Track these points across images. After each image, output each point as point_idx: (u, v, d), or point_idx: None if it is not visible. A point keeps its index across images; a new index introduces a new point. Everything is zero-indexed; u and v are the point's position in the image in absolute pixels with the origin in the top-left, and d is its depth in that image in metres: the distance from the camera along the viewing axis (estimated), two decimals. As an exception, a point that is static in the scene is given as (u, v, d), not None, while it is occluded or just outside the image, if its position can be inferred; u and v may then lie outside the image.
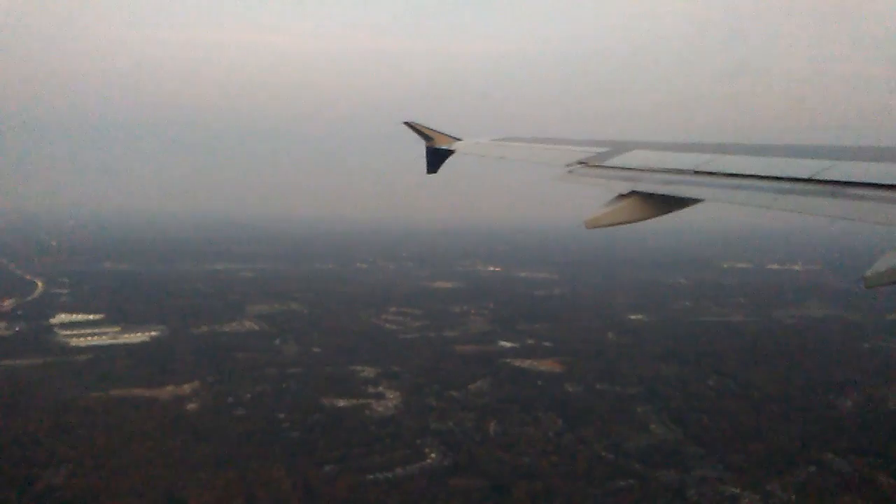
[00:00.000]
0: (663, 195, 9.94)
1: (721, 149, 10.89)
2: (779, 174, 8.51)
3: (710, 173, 9.72)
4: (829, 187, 7.58)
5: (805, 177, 8.00)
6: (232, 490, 54.23)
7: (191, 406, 76.17)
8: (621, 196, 10.35)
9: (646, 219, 10.18)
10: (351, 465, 60.97)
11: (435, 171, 19.13)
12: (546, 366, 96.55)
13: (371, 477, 58.93)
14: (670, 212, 10.11)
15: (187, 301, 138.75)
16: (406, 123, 19.39)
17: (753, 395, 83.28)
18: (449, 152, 18.52)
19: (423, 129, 19.27)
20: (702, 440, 69.36)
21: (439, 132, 19.19)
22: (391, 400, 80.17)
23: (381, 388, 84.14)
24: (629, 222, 10.22)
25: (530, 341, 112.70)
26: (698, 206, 9.58)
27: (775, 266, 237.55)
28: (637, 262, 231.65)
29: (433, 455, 64.37)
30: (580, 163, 12.48)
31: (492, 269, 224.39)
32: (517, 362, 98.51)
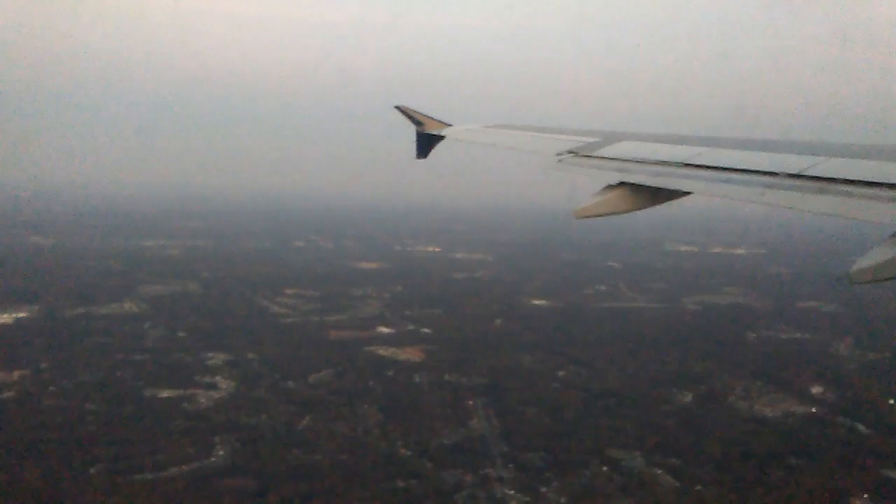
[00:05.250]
0: (652, 187, 9.98)
1: (710, 142, 11.03)
2: (767, 169, 8.57)
3: (699, 166, 9.81)
4: (816, 183, 7.63)
5: (793, 172, 8.07)
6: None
7: (7, 395, 74.07)
8: (610, 187, 10.41)
9: (634, 210, 10.23)
10: (124, 464, 58.89)
11: (425, 156, 19.23)
12: (407, 354, 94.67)
13: (138, 477, 57.00)
14: (659, 203, 10.17)
15: (82, 279, 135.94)
16: (397, 107, 19.52)
17: (594, 388, 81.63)
18: (439, 138, 18.61)
19: (414, 114, 19.33)
20: (514, 437, 67.66)
21: (430, 117, 19.23)
22: (220, 391, 78.22)
23: (217, 378, 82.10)
24: (618, 213, 10.25)
25: (411, 327, 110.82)
26: (686, 198, 9.77)
27: (718, 249, 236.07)
28: (584, 244, 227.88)
29: (221, 453, 62.45)
30: (570, 152, 12.57)
31: (431, 249, 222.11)
32: (381, 350, 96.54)
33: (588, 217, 10.25)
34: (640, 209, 10.27)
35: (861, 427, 71.74)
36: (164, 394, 76.45)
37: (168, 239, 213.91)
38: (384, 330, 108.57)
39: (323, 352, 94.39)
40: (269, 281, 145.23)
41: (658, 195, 10.07)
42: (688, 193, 9.61)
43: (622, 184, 10.36)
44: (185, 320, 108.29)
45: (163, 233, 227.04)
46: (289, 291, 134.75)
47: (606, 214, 10.26)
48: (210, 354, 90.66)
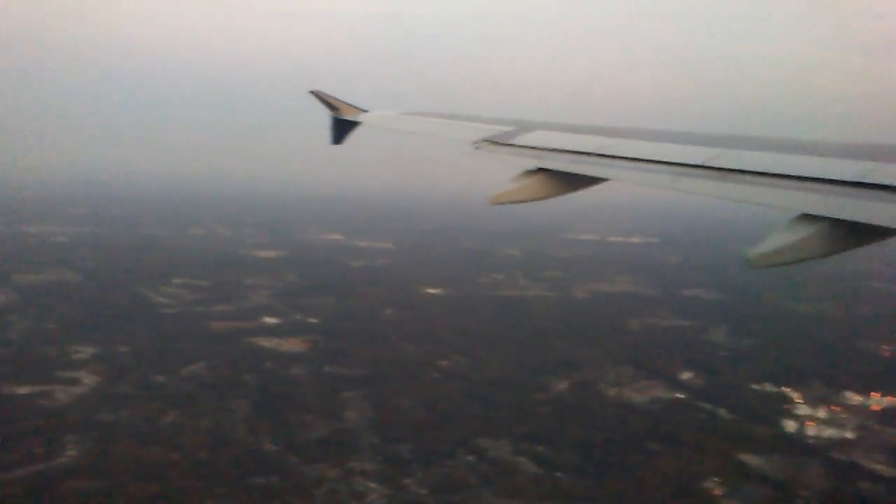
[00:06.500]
0: (569, 173, 10.17)
1: (622, 133, 11.39)
2: (676, 160, 9.09)
3: (613, 156, 10.08)
4: (721, 173, 8.33)
5: (698, 163, 8.70)
6: None
7: None
8: (528, 173, 10.49)
9: (550, 196, 10.23)
10: (-40, 466, 55.23)
11: (340, 143, 19.08)
12: (289, 345, 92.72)
13: (-26, 481, 53.48)
14: (575, 190, 10.30)
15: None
16: (312, 92, 19.29)
17: (473, 378, 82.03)
18: (355, 124, 18.53)
19: (330, 100, 19.15)
20: (385, 429, 67.10)
21: (346, 103, 19.14)
22: (81, 387, 74.49)
23: (81, 373, 78.16)
24: (534, 200, 10.22)
25: (298, 317, 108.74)
26: (602, 185, 9.99)
27: (616, 238, 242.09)
28: (489, 232, 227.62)
29: (71, 453, 59.30)
30: (486, 140, 12.61)
31: (333, 237, 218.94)
32: (263, 341, 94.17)
33: (504, 203, 10.22)
34: (556, 196, 10.30)
35: (722, 412, 74.72)
36: (21, 390, 72.25)
37: (56, 225, 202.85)
38: (270, 320, 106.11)
39: (201, 344, 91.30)
40: (156, 270, 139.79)
41: (575, 182, 10.23)
42: (604, 180, 9.85)
43: (539, 170, 10.43)
44: (57, 311, 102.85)
45: (51, 219, 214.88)
46: (176, 281, 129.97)
47: (523, 201, 10.25)
48: (77, 348, 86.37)
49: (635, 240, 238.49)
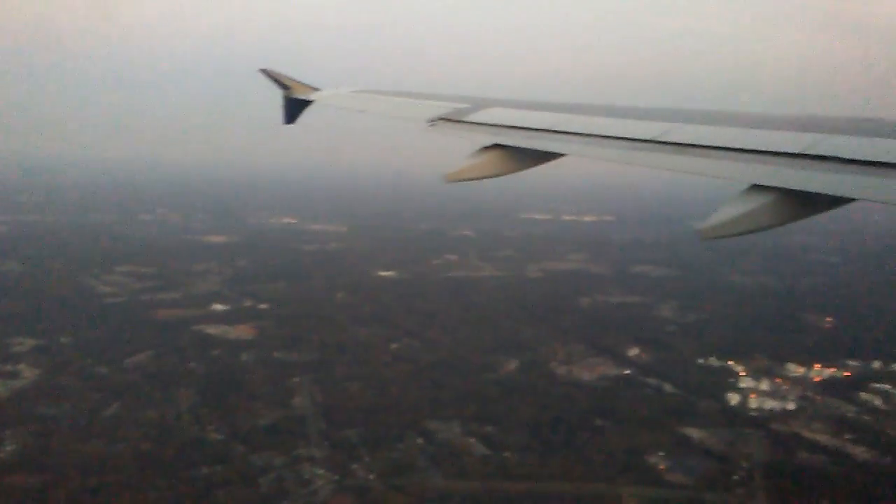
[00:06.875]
0: (526, 149, 10.22)
1: (577, 109, 11.36)
2: (630, 135, 9.26)
3: (570, 133, 10.10)
4: (670, 147, 8.54)
5: (651, 138, 8.88)
6: None
7: None
8: (484, 149, 10.39)
9: (507, 173, 10.12)
10: None
11: (292, 122, 18.63)
12: (238, 332, 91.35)
13: None
14: (533, 166, 10.22)
15: None
16: (262, 71, 18.80)
17: (423, 360, 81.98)
18: (307, 102, 18.08)
19: (281, 78, 18.60)
20: (334, 414, 66.61)
21: (297, 81, 18.59)
22: (21, 380, 72.32)
23: (21, 366, 75.84)
24: (491, 176, 10.14)
25: (248, 303, 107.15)
26: (557, 161, 10.11)
27: (569, 217, 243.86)
28: (443, 213, 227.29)
29: (9, 448, 57.56)
30: (441, 118, 12.50)
31: (286, 220, 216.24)
32: (210, 328, 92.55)
33: (460, 180, 10.09)
34: (512, 172, 10.21)
35: (668, 387, 75.97)
36: (-45, 386, 69.94)
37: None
38: (218, 307, 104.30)
39: (146, 333, 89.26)
40: (101, 258, 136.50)
41: (532, 157, 10.17)
42: (560, 155, 9.81)
43: (496, 146, 10.34)
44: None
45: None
46: (121, 269, 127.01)
47: (479, 178, 10.16)
48: (17, 340, 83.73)
49: (589, 218, 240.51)
